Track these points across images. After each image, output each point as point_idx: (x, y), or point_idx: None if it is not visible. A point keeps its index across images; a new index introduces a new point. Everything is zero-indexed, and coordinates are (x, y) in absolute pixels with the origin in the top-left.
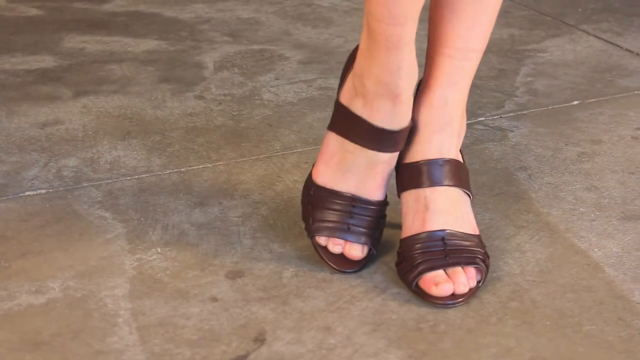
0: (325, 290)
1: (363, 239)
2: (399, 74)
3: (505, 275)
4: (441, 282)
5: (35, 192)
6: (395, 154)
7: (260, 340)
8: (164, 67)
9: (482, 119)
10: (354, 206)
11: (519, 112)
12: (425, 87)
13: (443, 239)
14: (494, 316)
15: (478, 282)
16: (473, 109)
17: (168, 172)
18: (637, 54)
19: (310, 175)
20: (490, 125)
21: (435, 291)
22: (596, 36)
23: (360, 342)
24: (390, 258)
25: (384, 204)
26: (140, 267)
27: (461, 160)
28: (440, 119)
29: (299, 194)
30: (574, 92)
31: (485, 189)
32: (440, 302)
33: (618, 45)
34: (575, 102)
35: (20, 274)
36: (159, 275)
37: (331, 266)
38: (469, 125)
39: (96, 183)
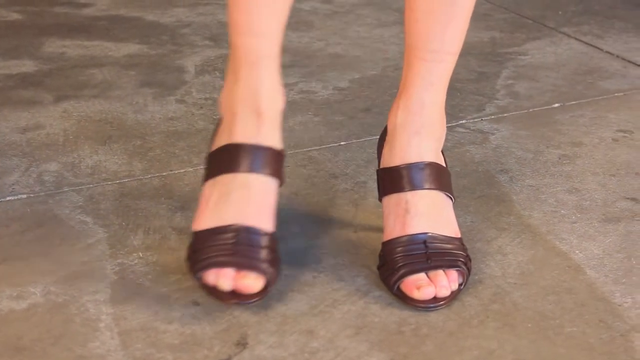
0: (308, 293)
1: (255, 268)
2: (260, 92)
3: (487, 278)
4: (423, 285)
5: (16, 197)
6: (273, 182)
7: (242, 344)
8: (145, 71)
9: (463, 121)
10: (237, 234)
11: (500, 115)
12: (402, 90)
13: (425, 242)
14: (476, 319)
15: (460, 284)
16: (454, 112)
17: (149, 176)
18: (618, 56)
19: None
20: (471, 128)
21: (417, 294)
22: (577, 39)
23: (343, 346)
24: (372, 261)
25: (272, 235)
26: (121, 271)
27: (443, 163)
28: (417, 122)
29: (281, 197)
30: (554, 94)
31: (467, 192)
32: (422, 305)
33: (598, 48)
34: (556, 105)
35: (1, 279)
36: (140, 280)
37: (229, 302)
38: (450, 128)
39: (77, 188)
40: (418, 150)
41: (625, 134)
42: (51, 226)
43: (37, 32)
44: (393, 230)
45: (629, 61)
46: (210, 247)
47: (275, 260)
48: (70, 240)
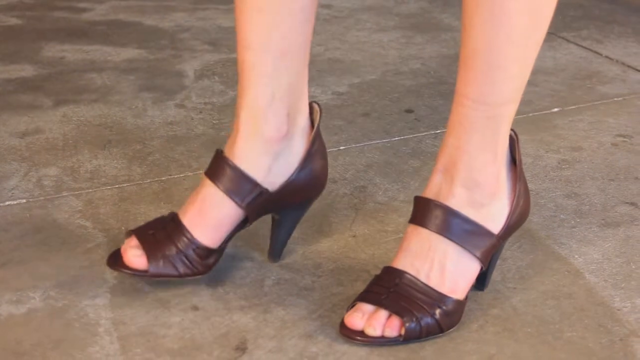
0: (307, 298)
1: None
2: (240, 102)
3: None
4: (353, 312)
5: (15, 202)
6: (234, 206)
7: (241, 348)
8: (144, 75)
9: None
10: (172, 226)
11: None
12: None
13: (397, 280)
14: (475, 323)
15: (399, 337)
16: None
17: (149, 181)
18: (617, 61)
19: None
20: None
21: (345, 317)
22: (576, 43)
23: (342, 350)
24: (371, 266)
25: (207, 250)
26: (121, 276)
27: (482, 221)
28: (441, 161)
29: None
30: (554, 99)
31: None
32: (344, 332)
33: (598, 53)
34: (555, 109)
35: (1, 284)
36: (139, 285)
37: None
38: None
39: (76, 192)
40: (437, 188)
41: (625, 139)
42: (50, 231)
43: (37, 36)
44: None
45: (628, 66)
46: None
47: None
48: (69, 245)
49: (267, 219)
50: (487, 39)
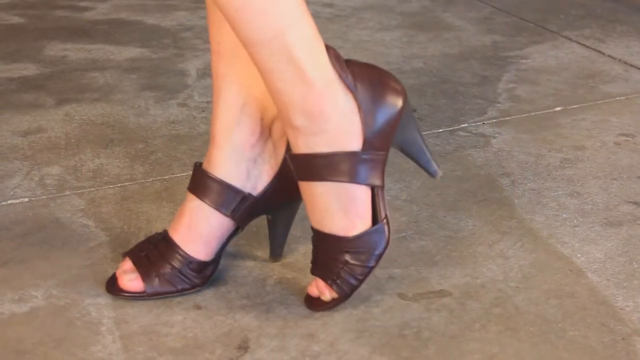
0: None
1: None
2: (215, 112)
3: (489, 282)
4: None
5: (17, 201)
6: (222, 217)
7: (243, 347)
8: (147, 74)
9: (465, 125)
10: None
11: (502, 119)
12: None
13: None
14: (478, 322)
15: (333, 300)
16: (456, 116)
17: (151, 179)
18: (619, 60)
19: None
20: (473, 131)
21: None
22: (578, 42)
23: (344, 350)
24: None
25: (202, 263)
26: None
27: (322, 152)
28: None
29: None
30: (556, 98)
31: (468, 196)
32: (311, 305)
33: (600, 52)
34: (558, 109)
35: (3, 283)
36: None
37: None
38: (451, 132)
39: (79, 191)
40: (293, 141)
41: (627, 138)
42: (53, 229)
43: (39, 35)
44: None
45: (631, 65)
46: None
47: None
48: (71, 244)
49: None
50: None
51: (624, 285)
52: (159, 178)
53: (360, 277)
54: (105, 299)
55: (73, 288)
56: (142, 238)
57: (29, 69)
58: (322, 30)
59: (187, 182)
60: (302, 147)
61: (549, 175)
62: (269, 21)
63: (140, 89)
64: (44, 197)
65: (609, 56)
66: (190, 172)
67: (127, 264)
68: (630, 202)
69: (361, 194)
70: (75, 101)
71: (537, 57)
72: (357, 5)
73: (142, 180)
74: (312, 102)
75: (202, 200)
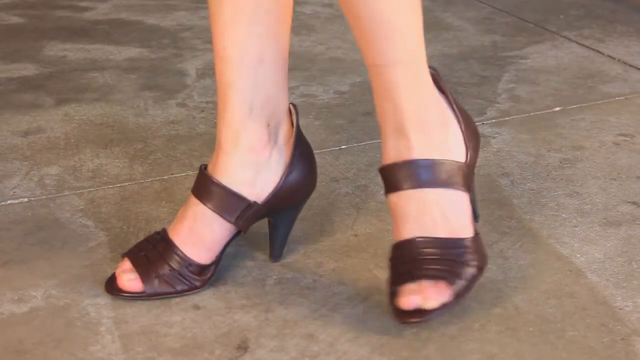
0: (308, 297)
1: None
2: (221, 118)
3: (488, 282)
4: (405, 294)
5: (17, 201)
6: (225, 223)
7: (243, 348)
8: (146, 75)
9: None
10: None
11: (501, 119)
12: None
13: (413, 248)
14: (477, 322)
15: (453, 300)
16: None
17: (150, 180)
18: (619, 60)
19: None
20: None
21: (400, 303)
22: (578, 42)
23: (344, 350)
24: (373, 265)
25: (202, 266)
26: None
27: (439, 156)
28: (389, 126)
29: None
30: (555, 98)
31: None
32: (404, 319)
33: (600, 52)
34: (557, 109)
35: (2, 283)
36: None
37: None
38: None
39: (78, 191)
40: (396, 151)
41: (627, 138)
42: (52, 230)
43: (38, 35)
44: (394, 236)
45: (630, 65)
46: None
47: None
48: (71, 244)
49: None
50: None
51: (623, 285)
52: (158, 178)
53: (476, 277)
54: (104, 299)
55: (72, 288)
56: (141, 238)
57: (28, 69)
58: (322, 31)
59: (186, 182)
60: (414, 151)
61: (548, 175)
62: (412, 40)
63: (139, 89)
64: (44, 197)
65: (609, 56)
66: (189, 173)
67: (126, 264)
68: (629, 202)
69: (466, 199)
70: (74, 101)
71: (537, 57)
72: None
73: (142, 181)
74: (435, 116)
75: (206, 205)
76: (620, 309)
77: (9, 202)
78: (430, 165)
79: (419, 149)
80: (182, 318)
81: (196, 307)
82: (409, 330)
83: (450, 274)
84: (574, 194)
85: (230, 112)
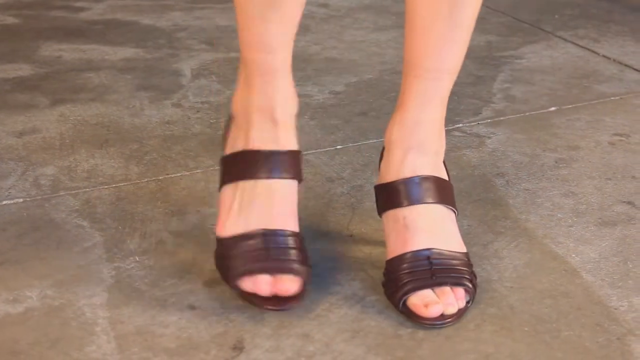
0: (304, 297)
1: (290, 269)
2: (275, 100)
3: (484, 282)
4: (430, 303)
5: (12, 201)
6: (294, 184)
7: (239, 348)
8: (142, 75)
9: (460, 125)
10: (266, 238)
11: (497, 119)
12: (399, 106)
13: (429, 258)
14: (472, 322)
15: (467, 302)
16: (450, 116)
17: (146, 180)
18: (614, 60)
19: (216, 240)
20: (468, 131)
21: (425, 312)
22: (573, 42)
23: (339, 350)
24: (369, 265)
25: (299, 235)
26: (118, 275)
27: (443, 175)
28: (413, 138)
29: None
30: (551, 98)
31: (463, 196)
32: (429, 322)
33: (595, 52)
34: (553, 109)
35: None
36: (137, 284)
37: (268, 308)
38: (446, 132)
39: (74, 192)
40: (413, 166)
41: (622, 138)
42: (47, 230)
43: (34, 35)
44: (395, 248)
45: (625, 65)
46: (243, 254)
47: (306, 259)
48: (66, 244)
49: None
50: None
51: (619, 285)
52: (153, 179)
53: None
54: (100, 299)
55: (68, 288)
56: (137, 238)
57: (23, 70)
58: (317, 31)
59: (181, 182)
60: (431, 170)
61: (543, 175)
62: (462, 53)
63: (135, 89)
64: (39, 197)
65: (604, 56)
66: (185, 173)
67: (264, 277)
68: (624, 202)
69: (455, 219)
70: (70, 101)
71: (532, 57)
72: (352, 6)
73: (137, 181)
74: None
75: (281, 178)
76: (616, 309)
77: (4, 202)
78: (442, 183)
79: (433, 166)
80: (178, 318)
81: (192, 307)
82: (404, 330)
83: (464, 280)
84: (570, 194)
85: (284, 90)
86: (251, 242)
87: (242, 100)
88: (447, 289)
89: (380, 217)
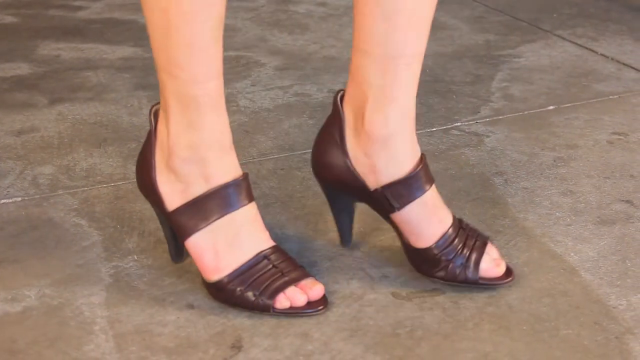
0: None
1: (306, 274)
2: (224, 130)
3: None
4: (497, 259)
5: (11, 200)
6: (253, 205)
7: (237, 347)
8: (140, 74)
9: (458, 124)
10: (269, 257)
11: (495, 118)
12: (390, 99)
13: (461, 224)
14: (471, 321)
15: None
16: (449, 115)
17: None
18: (612, 59)
19: (211, 292)
20: (466, 130)
21: (498, 271)
22: (571, 41)
23: (338, 348)
24: (367, 264)
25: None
26: (116, 274)
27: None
28: (412, 126)
29: (276, 200)
30: (549, 97)
31: (462, 195)
32: (505, 281)
33: (593, 50)
34: (551, 107)
35: None
36: (135, 283)
37: (310, 314)
38: (445, 131)
39: (72, 191)
40: (418, 153)
41: (620, 136)
42: (46, 229)
43: (32, 34)
44: (435, 230)
45: (623, 64)
46: (259, 280)
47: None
48: (65, 243)
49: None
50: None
51: (617, 284)
52: None
53: None
54: (98, 298)
55: (66, 287)
56: (135, 237)
57: (22, 69)
58: (315, 29)
59: None
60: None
61: (542, 174)
62: (426, 36)
63: (133, 88)
64: (37, 196)
65: (602, 55)
66: None
67: (293, 289)
68: (623, 200)
69: None
70: (68, 100)
71: (530, 56)
72: (350, 4)
73: (135, 180)
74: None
75: (250, 202)
76: (614, 308)
77: (2, 201)
78: (427, 168)
79: (418, 152)
80: (176, 317)
81: (190, 306)
82: (402, 329)
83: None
84: (568, 193)
85: (224, 115)
86: (259, 265)
87: (184, 139)
88: (491, 247)
89: (389, 218)
